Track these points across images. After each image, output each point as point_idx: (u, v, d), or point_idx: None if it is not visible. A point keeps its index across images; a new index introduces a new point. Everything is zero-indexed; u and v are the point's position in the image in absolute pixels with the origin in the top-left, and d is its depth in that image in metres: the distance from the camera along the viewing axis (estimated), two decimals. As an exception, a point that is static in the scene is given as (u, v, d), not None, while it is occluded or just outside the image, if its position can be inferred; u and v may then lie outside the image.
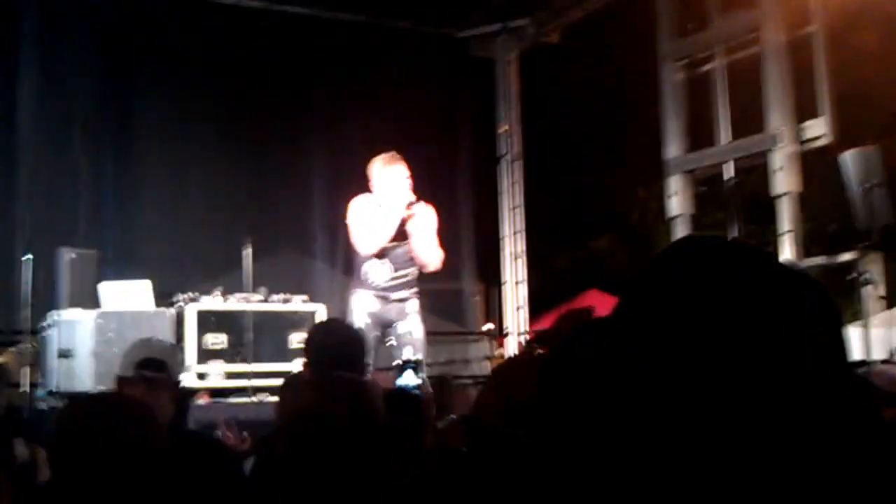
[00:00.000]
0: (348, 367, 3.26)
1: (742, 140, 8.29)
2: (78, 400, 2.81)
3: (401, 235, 6.26)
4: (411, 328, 6.28)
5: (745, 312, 0.87)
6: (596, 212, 12.25)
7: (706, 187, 9.07)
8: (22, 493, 3.26)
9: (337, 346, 3.73)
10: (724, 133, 8.44)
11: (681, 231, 8.66)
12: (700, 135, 8.84)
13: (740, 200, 8.56)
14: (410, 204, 6.20)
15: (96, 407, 2.45)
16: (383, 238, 6.17)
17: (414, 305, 6.37)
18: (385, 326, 6.29)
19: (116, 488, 2.22)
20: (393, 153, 6.39)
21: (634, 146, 11.58)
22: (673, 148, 8.92)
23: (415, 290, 6.38)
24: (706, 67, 8.71)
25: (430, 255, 6.33)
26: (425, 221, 6.34)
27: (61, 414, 2.49)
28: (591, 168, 12.27)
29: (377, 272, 6.26)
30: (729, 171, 8.35)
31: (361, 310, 6.23)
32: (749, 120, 8.14)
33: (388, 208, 6.19)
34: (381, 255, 6.23)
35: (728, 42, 8.45)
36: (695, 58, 8.83)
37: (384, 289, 6.26)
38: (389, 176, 6.26)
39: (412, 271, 6.33)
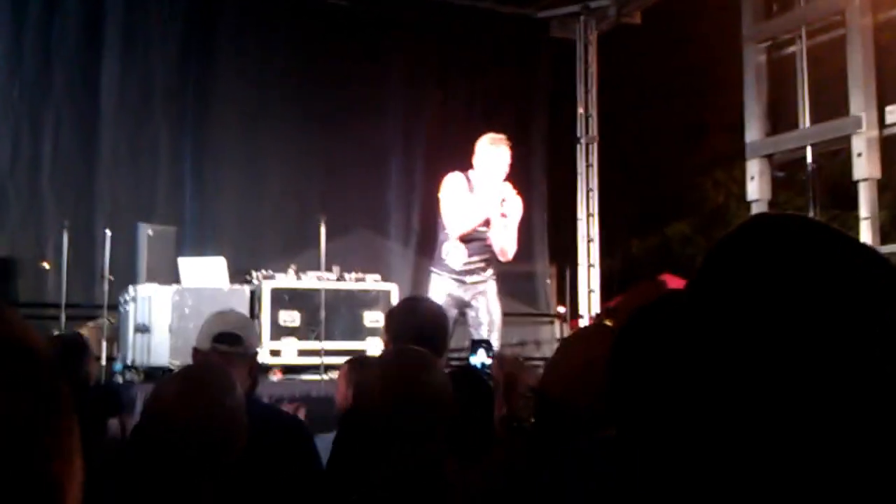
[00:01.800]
0: (428, 344, 3.25)
1: (823, 124, 8.10)
2: (168, 374, 2.86)
3: (484, 222, 6.27)
4: (489, 309, 6.31)
5: (817, 291, 0.87)
6: (673, 196, 12.08)
7: (785, 172, 8.88)
8: (112, 466, 3.32)
9: (419, 324, 3.70)
10: (805, 117, 8.26)
11: (760, 216, 8.51)
12: (780, 118, 8.67)
13: (820, 185, 8.37)
14: (503, 200, 6.20)
15: (185, 381, 2.46)
16: (472, 224, 6.19)
17: (492, 288, 6.39)
18: (463, 307, 6.32)
19: (197, 460, 2.24)
20: (502, 136, 6.37)
21: (713, 129, 11.38)
22: (753, 131, 8.77)
23: (491, 273, 6.39)
24: (789, 50, 8.52)
25: (509, 245, 6.33)
26: (512, 212, 6.33)
27: (154, 387, 2.52)
28: (668, 151, 12.09)
29: (454, 255, 6.29)
30: (809, 156, 8.16)
31: (440, 290, 6.27)
32: (830, 104, 7.95)
33: (482, 194, 6.19)
34: (463, 238, 6.26)
35: (812, 24, 8.26)
36: (778, 40, 8.65)
37: (460, 272, 6.29)
38: (493, 156, 6.24)
39: (488, 255, 6.34)
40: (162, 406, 2.31)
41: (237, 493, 2.36)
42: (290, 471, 3.05)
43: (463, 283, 6.31)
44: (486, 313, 6.31)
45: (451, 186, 6.30)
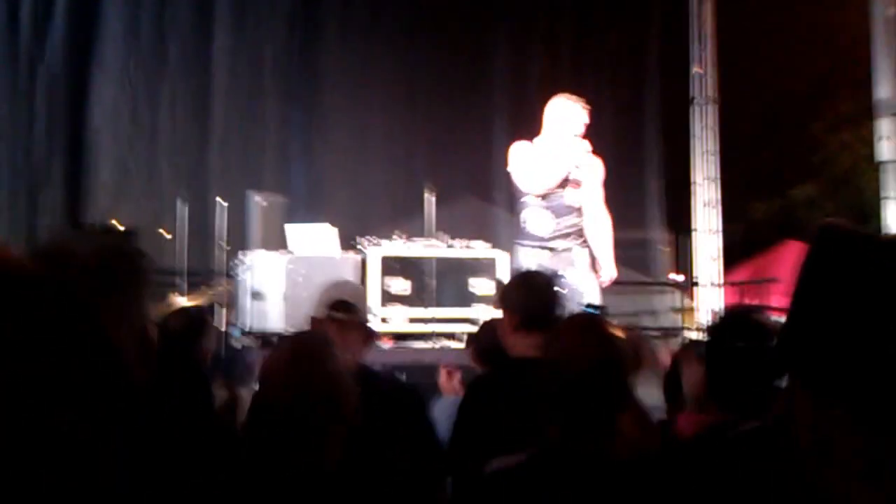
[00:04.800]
0: (540, 318, 3.16)
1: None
2: (280, 340, 2.90)
3: (562, 183, 5.97)
4: (581, 279, 5.97)
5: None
6: (797, 158, 11.61)
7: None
8: (221, 435, 3.35)
9: (537, 299, 3.62)
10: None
11: (891, 177, 8.15)
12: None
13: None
14: (577, 167, 5.92)
15: (290, 348, 2.47)
16: (553, 179, 5.90)
17: (582, 256, 6.06)
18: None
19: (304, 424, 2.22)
20: (576, 96, 6.10)
21: (839, 87, 10.92)
22: (883, 89, 8.37)
23: (582, 240, 6.07)
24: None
25: (600, 214, 6.05)
26: (589, 177, 6.01)
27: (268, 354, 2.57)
28: (791, 111, 11.65)
29: (537, 222, 6.00)
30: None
31: (530, 262, 5.93)
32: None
33: (555, 151, 5.91)
34: (542, 200, 5.96)
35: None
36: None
37: (549, 239, 5.98)
38: (563, 112, 5.97)
39: (575, 220, 6.02)
40: (270, 373, 2.35)
41: (350, 457, 2.36)
42: (402, 436, 3.05)
43: (552, 250, 6.00)
44: (579, 284, 5.96)
45: (517, 152, 6.02)
